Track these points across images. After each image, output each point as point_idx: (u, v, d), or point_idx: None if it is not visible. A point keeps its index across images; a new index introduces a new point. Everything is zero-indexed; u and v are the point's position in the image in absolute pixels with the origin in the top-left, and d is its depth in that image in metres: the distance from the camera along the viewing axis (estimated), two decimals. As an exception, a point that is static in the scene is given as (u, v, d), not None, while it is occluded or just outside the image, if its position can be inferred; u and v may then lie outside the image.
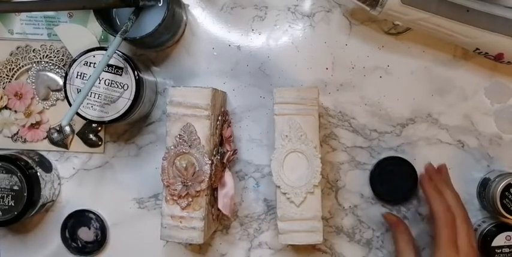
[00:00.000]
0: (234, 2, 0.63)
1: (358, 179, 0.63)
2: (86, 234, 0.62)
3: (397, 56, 0.63)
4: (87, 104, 0.57)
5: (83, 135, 0.64)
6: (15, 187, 0.58)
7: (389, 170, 0.60)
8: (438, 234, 0.52)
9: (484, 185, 0.60)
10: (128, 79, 0.57)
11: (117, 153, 0.64)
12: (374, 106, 0.63)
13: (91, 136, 0.64)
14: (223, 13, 0.64)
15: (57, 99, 0.64)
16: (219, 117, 0.58)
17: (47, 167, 0.62)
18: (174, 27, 0.59)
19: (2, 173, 0.58)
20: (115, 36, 0.53)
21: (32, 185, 0.58)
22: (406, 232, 0.58)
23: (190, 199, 0.54)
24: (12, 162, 0.58)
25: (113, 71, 0.57)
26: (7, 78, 0.64)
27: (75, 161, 0.64)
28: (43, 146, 0.64)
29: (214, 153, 0.56)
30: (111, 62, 0.57)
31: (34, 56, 0.64)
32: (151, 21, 0.56)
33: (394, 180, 0.61)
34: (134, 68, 0.57)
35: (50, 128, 0.64)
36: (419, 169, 0.61)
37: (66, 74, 0.57)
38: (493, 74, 0.63)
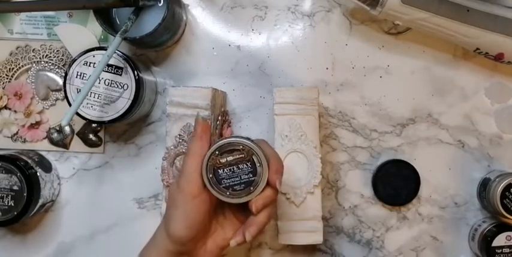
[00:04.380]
0: (234, 2, 0.63)
1: (358, 179, 0.62)
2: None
3: (397, 56, 0.63)
4: (87, 104, 0.57)
5: (82, 135, 0.64)
6: (15, 187, 0.57)
7: (391, 173, 0.60)
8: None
9: (485, 185, 0.60)
10: (128, 79, 0.57)
11: (117, 153, 0.64)
12: (374, 106, 0.63)
13: (91, 136, 0.64)
14: (223, 13, 0.63)
15: (57, 99, 0.63)
16: (219, 117, 0.58)
17: (47, 167, 0.62)
18: (174, 27, 0.59)
19: (2, 173, 0.58)
20: (115, 36, 0.53)
21: (32, 185, 0.57)
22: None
23: (190, 199, 0.54)
24: (12, 162, 0.57)
25: (112, 71, 0.57)
26: (7, 78, 0.64)
27: (75, 161, 0.64)
28: (43, 146, 0.64)
29: (214, 153, 0.56)
30: (111, 62, 0.57)
31: (34, 56, 0.63)
32: (151, 21, 0.56)
33: (396, 183, 0.60)
34: (134, 68, 0.57)
35: (49, 128, 0.64)
36: (420, 170, 0.61)
37: (66, 74, 0.57)
38: (493, 74, 0.63)
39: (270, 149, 0.47)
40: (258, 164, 0.45)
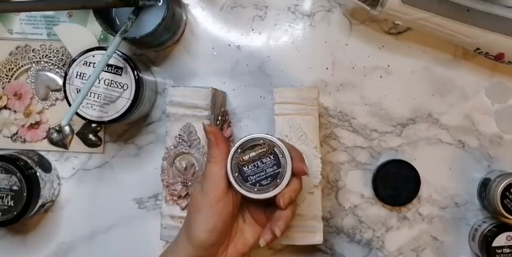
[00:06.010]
0: (234, 2, 0.63)
1: (359, 179, 0.62)
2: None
3: (397, 56, 0.63)
4: (87, 104, 0.57)
5: (82, 135, 0.63)
6: (15, 187, 0.57)
7: (391, 174, 0.60)
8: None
9: (485, 186, 0.60)
10: (128, 79, 0.57)
11: (116, 153, 0.64)
12: (374, 106, 0.63)
13: (91, 136, 0.63)
14: (223, 13, 0.63)
15: (57, 99, 0.63)
16: (219, 118, 0.58)
17: (47, 167, 0.62)
18: (173, 26, 0.59)
19: (2, 173, 0.57)
20: (115, 36, 0.53)
21: (32, 185, 0.57)
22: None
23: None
24: (11, 162, 0.57)
25: (112, 71, 0.57)
26: (6, 78, 0.64)
27: (75, 161, 0.64)
28: (42, 146, 0.64)
29: (214, 153, 0.56)
30: (111, 61, 0.56)
31: (33, 55, 0.63)
32: (151, 20, 0.56)
33: (396, 183, 0.60)
34: (134, 68, 0.56)
35: (49, 128, 0.64)
36: (420, 170, 0.61)
37: (66, 74, 0.57)
38: (494, 74, 0.62)
39: (285, 142, 0.48)
40: (281, 156, 0.45)
